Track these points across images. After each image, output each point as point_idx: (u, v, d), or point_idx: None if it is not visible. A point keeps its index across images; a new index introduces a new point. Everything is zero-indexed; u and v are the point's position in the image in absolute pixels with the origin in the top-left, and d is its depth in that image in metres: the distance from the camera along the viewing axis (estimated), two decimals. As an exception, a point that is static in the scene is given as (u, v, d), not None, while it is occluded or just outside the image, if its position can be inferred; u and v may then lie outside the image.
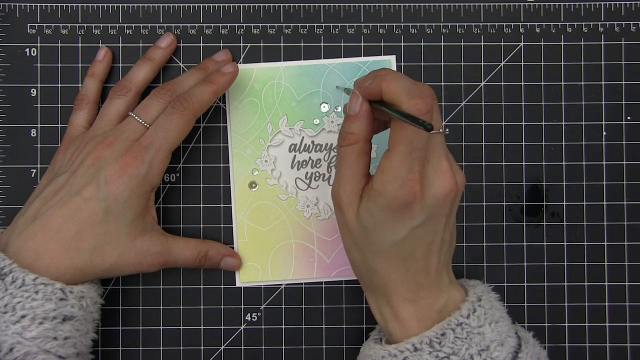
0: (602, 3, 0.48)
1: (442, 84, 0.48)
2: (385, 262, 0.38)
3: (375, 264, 0.38)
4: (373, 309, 0.40)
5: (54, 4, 0.48)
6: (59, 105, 0.48)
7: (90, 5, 0.48)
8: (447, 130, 0.41)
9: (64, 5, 0.48)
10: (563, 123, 0.48)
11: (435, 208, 0.36)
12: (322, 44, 0.48)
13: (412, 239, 0.37)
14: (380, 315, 0.40)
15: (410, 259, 0.37)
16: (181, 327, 0.47)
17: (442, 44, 0.48)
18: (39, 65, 0.48)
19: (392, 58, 0.48)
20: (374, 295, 0.40)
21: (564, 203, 0.48)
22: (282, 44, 0.48)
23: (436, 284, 0.39)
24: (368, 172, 0.39)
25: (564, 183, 0.48)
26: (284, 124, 0.48)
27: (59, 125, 0.48)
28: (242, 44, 0.48)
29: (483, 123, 0.48)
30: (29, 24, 0.48)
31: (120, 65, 0.48)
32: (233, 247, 0.47)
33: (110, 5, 0.48)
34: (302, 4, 0.48)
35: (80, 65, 0.48)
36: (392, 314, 0.39)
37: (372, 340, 0.41)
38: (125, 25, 0.48)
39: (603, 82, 0.48)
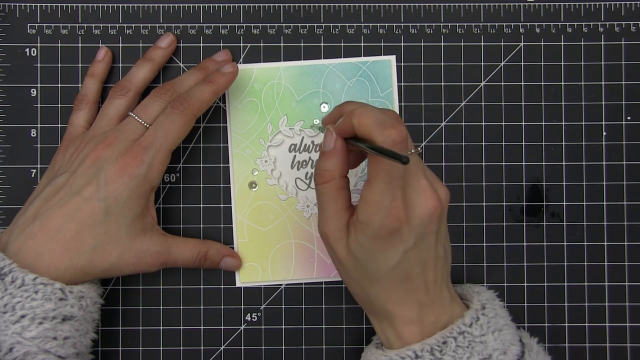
0: (602, 3, 0.48)
1: (442, 84, 0.48)
2: (383, 288, 0.38)
3: (374, 292, 0.38)
4: (377, 331, 0.40)
5: (54, 4, 0.48)
6: (59, 105, 0.48)
7: (90, 5, 0.48)
8: (419, 149, 0.41)
9: (64, 5, 0.48)
10: (563, 123, 0.48)
11: (423, 228, 0.36)
12: (322, 44, 0.48)
13: (406, 261, 0.37)
14: (385, 337, 0.40)
15: (407, 280, 0.38)
16: (181, 327, 0.47)
17: (442, 44, 0.48)
18: (39, 65, 0.48)
19: (392, 58, 0.48)
20: (377, 318, 0.40)
21: (564, 203, 0.48)
22: (282, 44, 0.48)
23: (437, 301, 0.39)
24: (350, 205, 0.39)
25: (564, 183, 0.48)
26: (284, 124, 0.48)
27: (59, 125, 0.48)
28: (242, 44, 0.48)
29: (483, 123, 0.48)
30: (29, 24, 0.48)
31: (120, 65, 0.48)
32: (233, 247, 0.47)
33: (110, 5, 0.48)
34: (302, 4, 0.48)
35: (80, 65, 0.48)
36: (396, 335, 0.39)
37: (374, 345, 0.41)
38: (125, 25, 0.48)
39: (603, 82, 0.48)
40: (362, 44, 0.48)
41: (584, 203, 0.48)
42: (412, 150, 0.38)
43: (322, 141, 0.39)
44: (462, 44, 0.48)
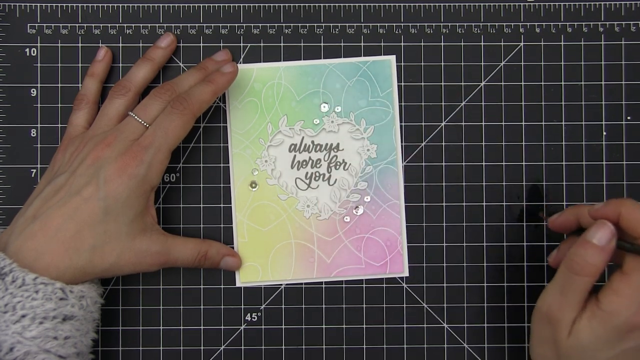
0: (602, 3, 0.48)
1: (442, 84, 0.48)
2: None
3: None
4: None
5: (54, 4, 0.48)
6: (59, 105, 0.48)
7: (90, 5, 0.48)
8: None
9: (64, 5, 0.48)
10: (563, 123, 0.48)
11: None
12: (322, 44, 0.48)
13: (624, 355, 0.36)
14: None
15: None
16: (181, 327, 0.47)
17: (442, 44, 0.48)
18: (39, 65, 0.48)
19: (392, 58, 0.48)
20: None
21: (564, 203, 0.48)
22: (282, 44, 0.48)
23: None
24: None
25: (564, 183, 0.48)
26: (284, 124, 0.48)
27: (59, 125, 0.48)
28: (242, 44, 0.48)
29: (483, 123, 0.48)
30: (29, 24, 0.48)
31: (120, 65, 0.48)
32: (233, 247, 0.47)
33: (110, 5, 0.48)
34: (302, 4, 0.48)
35: (80, 65, 0.48)
36: None
37: None
38: (125, 25, 0.48)
39: (603, 82, 0.48)
40: (362, 44, 0.48)
41: (584, 203, 0.48)
42: None
43: (593, 232, 0.37)
44: (462, 44, 0.48)
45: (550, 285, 0.39)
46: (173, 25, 0.48)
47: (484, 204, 0.48)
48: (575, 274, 0.37)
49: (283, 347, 0.47)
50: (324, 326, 0.47)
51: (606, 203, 0.37)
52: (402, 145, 0.48)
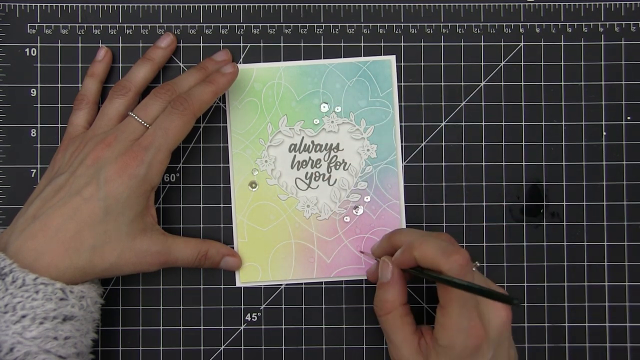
0: (602, 3, 0.48)
1: (442, 84, 0.48)
2: None
3: None
4: None
5: (54, 4, 0.48)
6: (59, 105, 0.48)
7: (90, 5, 0.48)
8: (477, 264, 0.42)
9: (64, 5, 0.48)
10: (563, 123, 0.48)
11: (500, 336, 0.38)
12: (322, 44, 0.48)
13: None
14: None
15: None
16: (181, 327, 0.47)
17: (442, 44, 0.48)
18: (39, 65, 0.48)
19: (392, 58, 0.48)
20: None
21: (564, 203, 0.48)
22: (282, 44, 0.48)
23: None
24: (416, 328, 0.40)
25: (564, 183, 0.48)
26: (284, 124, 0.48)
27: (59, 125, 0.48)
28: (242, 44, 0.48)
29: (483, 123, 0.48)
30: (29, 24, 0.48)
31: (120, 65, 0.48)
32: (233, 247, 0.47)
33: (110, 5, 0.48)
34: (302, 4, 0.48)
35: (80, 65, 0.48)
36: None
37: None
38: (125, 25, 0.48)
39: (603, 82, 0.48)
40: (362, 44, 0.48)
41: (584, 203, 0.48)
42: (474, 268, 0.39)
43: (379, 272, 0.41)
44: (462, 44, 0.48)
45: (385, 336, 0.41)
46: (173, 25, 0.48)
47: (484, 204, 0.48)
48: (381, 315, 0.41)
49: (283, 347, 0.47)
50: (324, 326, 0.47)
51: (401, 252, 0.40)
52: (402, 145, 0.48)
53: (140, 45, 0.48)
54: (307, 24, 0.48)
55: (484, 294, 0.34)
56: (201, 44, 0.48)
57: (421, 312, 0.47)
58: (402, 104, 0.48)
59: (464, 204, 0.48)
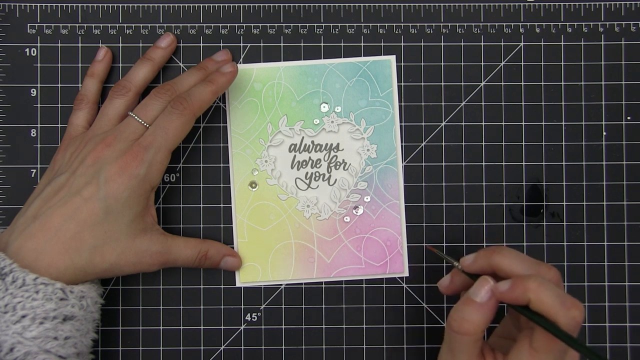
0: (602, 3, 0.48)
1: (442, 84, 0.48)
2: None
3: None
4: None
5: (54, 4, 0.48)
6: (59, 105, 0.48)
7: (90, 5, 0.48)
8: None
9: (64, 5, 0.48)
10: (563, 123, 0.48)
11: None
12: (322, 44, 0.48)
13: None
14: None
15: None
16: (181, 327, 0.47)
17: (442, 44, 0.48)
18: (39, 65, 0.48)
19: (392, 58, 0.48)
20: None
21: (564, 203, 0.48)
22: (282, 44, 0.48)
23: None
24: (481, 351, 0.37)
25: (564, 183, 0.48)
26: (284, 124, 0.48)
27: (59, 125, 0.48)
28: (242, 44, 0.48)
29: (483, 123, 0.48)
30: (29, 24, 0.48)
31: (120, 65, 0.48)
32: (233, 247, 0.47)
33: (110, 5, 0.48)
34: (302, 4, 0.48)
35: (80, 65, 0.48)
36: None
37: None
38: (125, 25, 0.48)
39: (603, 82, 0.48)
40: (362, 44, 0.48)
41: (584, 203, 0.48)
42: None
43: (473, 289, 0.37)
44: (462, 44, 0.48)
45: (443, 346, 0.38)
46: (173, 25, 0.48)
47: (484, 204, 0.48)
48: (455, 332, 0.36)
49: (283, 347, 0.47)
50: (324, 326, 0.47)
51: (511, 286, 0.35)
52: (402, 145, 0.48)
53: (140, 45, 0.48)
54: (307, 24, 0.48)
55: (580, 349, 0.33)
56: (201, 44, 0.48)
57: (421, 312, 0.47)
58: (402, 104, 0.48)
59: (464, 204, 0.48)
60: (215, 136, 0.48)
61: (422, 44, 0.48)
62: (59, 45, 0.48)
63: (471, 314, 0.36)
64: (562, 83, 0.48)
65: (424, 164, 0.48)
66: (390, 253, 0.47)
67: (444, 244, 0.47)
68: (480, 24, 0.48)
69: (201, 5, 0.48)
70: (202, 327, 0.47)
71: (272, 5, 0.48)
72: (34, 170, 0.47)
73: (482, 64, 0.48)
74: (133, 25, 0.48)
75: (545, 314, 0.34)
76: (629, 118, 0.48)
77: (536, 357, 0.35)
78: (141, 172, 0.40)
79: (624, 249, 0.48)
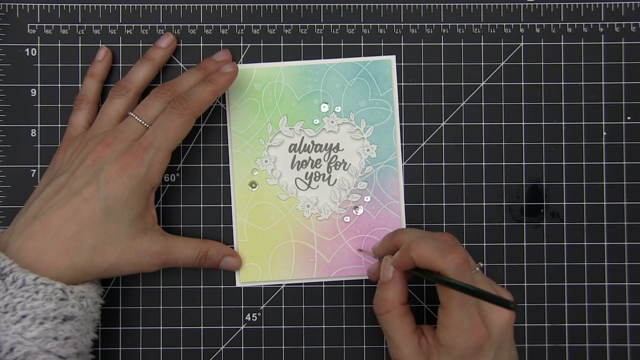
0: (602, 3, 0.48)
1: (442, 84, 0.48)
2: None
3: None
4: None
5: (54, 4, 0.48)
6: (59, 105, 0.48)
7: (90, 5, 0.48)
8: (481, 264, 0.44)
9: (64, 5, 0.48)
10: (563, 123, 0.48)
11: (502, 337, 0.38)
12: (322, 44, 0.48)
13: None
14: None
15: None
16: (181, 327, 0.47)
17: (442, 44, 0.48)
18: (39, 65, 0.48)
19: (392, 58, 0.48)
20: None
21: (564, 203, 0.48)
22: (282, 44, 0.48)
23: None
24: (416, 327, 0.40)
25: (564, 183, 0.48)
26: (284, 124, 0.48)
27: (59, 125, 0.48)
28: (242, 44, 0.48)
29: (483, 123, 0.48)
30: (29, 24, 0.48)
31: (120, 65, 0.48)
32: (233, 247, 0.47)
33: (110, 5, 0.48)
34: (302, 4, 0.48)
35: (80, 65, 0.48)
36: None
37: None
38: (125, 25, 0.48)
39: (603, 82, 0.48)
40: (362, 44, 0.48)
41: (584, 203, 0.48)
42: (477, 269, 0.39)
43: (381, 271, 0.41)
44: (462, 44, 0.48)
45: (385, 336, 0.41)
46: (173, 25, 0.48)
47: (484, 204, 0.48)
48: (379, 314, 0.40)
49: (283, 347, 0.47)
50: (324, 326, 0.47)
51: (399, 253, 0.39)
52: (402, 145, 0.48)
53: (140, 45, 0.48)
54: (307, 24, 0.48)
55: (481, 296, 0.33)
56: (201, 44, 0.48)
57: (421, 312, 0.47)
58: (402, 104, 0.48)
59: (464, 204, 0.48)
60: (215, 136, 0.48)
61: (422, 44, 0.48)
62: (59, 45, 0.48)
63: (385, 292, 0.40)
64: (562, 83, 0.48)
65: (424, 164, 0.48)
66: (390, 253, 0.47)
67: (444, 244, 0.47)
68: (480, 24, 0.48)
69: (201, 5, 0.48)
70: (202, 327, 0.47)
71: (272, 5, 0.48)
72: (34, 170, 0.47)
73: (482, 64, 0.48)
74: (133, 25, 0.48)
75: (430, 268, 0.37)
76: (629, 118, 0.48)
77: (446, 313, 0.37)
78: (141, 172, 0.40)
79: (624, 249, 0.48)
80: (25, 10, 0.48)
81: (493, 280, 0.41)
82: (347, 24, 0.48)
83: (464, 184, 0.48)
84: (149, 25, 0.48)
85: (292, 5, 0.48)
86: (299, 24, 0.48)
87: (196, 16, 0.48)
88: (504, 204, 0.48)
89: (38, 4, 0.48)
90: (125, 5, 0.48)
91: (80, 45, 0.48)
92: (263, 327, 0.47)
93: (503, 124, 0.48)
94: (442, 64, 0.48)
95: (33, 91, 0.48)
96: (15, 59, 0.48)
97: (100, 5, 0.48)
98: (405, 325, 0.40)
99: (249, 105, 0.48)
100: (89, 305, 0.40)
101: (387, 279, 0.40)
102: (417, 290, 0.48)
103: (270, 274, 0.47)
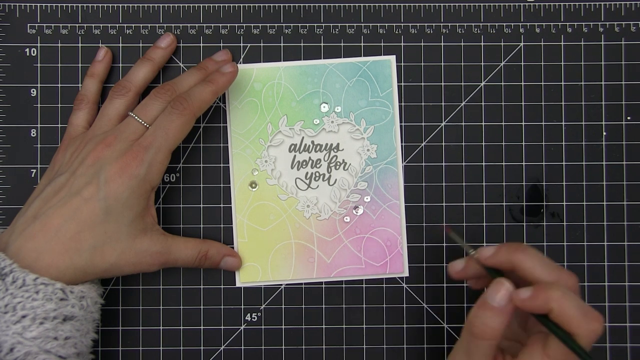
0: (602, 3, 0.48)
1: (442, 84, 0.48)
2: None
3: None
4: None
5: (54, 4, 0.48)
6: (59, 105, 0.48)
7: (90, 5, 0.48)
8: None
9: (64, 5, 0.48)
10: (563, 123, 0.48)
11: None
12: (322, 44, 0.48)
13: None
14: None
15: None
16: (181, 327, 0.47)
17: (442, 44, 0.48)
18: (39, 65, 0.48)
19: (392, 58, 0.48)
20: None
21: (564, 203, 0.48)
22: (282, 44, 0.48)
23: None
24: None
25: (564, 183, 0.48)
26: (284, 124, 0.48)
27: (59, 125, 0.48)
28: (242, 44, 0.48)
29: (483, 123, 0.48)
30: (29, 24, 0.48)
31: (120, 65, 0.48)
32: (233, 247, 0.47)
33: (110, 5, 0.48)
34: (302, 4, 0.48)
35: (80, 65, 0.48)
36: None
37: None
38: (125, 25, 0.48)
39: (603, 82, 0.48)
40: (362, 44, 0.48)
41: (584, 203, 0.48)
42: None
43: (489, 292, 0.36)
44: (462, 44, 0.48)
45: (457, 346, 0.38)
46: (173, 25, 0.48)
47: (484, 204, 0.48)
48: (476, 337, 0.36)
49: (283, 347, 0.47)
50: (324, 326, 0.47)
51: (532, 294, 0.35)
52: (402, 145, 0.48)
53: (140, 45, 0.48)
54: (307, 24, 0.48)
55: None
56: (201, 44, 0.48)
57: (421, 312, 0.47)
58: (402, 104, 0.48)
59: (464, 204, 0.48)
60: (215, 136, 0.48)
61: (422, 44, 0.48)
62: (59, 45, 0.48)
63: (492, 319, 0.35)
64: (562, 83, 0.48)
65: (424, 164, 0.48)
66: (390, 253, 0.47)
67: (444, 244, 0.47)
68: (480, 24, 0.48)
69: (201, 5, 0.48)
70: (202, 327, 0.47)
71: (272, 5, 0.48)
72: (34, 170, 0.47)
73: (482, 64, 0.48)
74: (133, 25, 0.48)
75: (566, 326, 0.34)
76: (629, 118, 0.48)
77: None
78: (141, 172, 0.40)
79: (624, 249, 0.48)
80: (25, 10, 0.48)
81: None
82: (347, 24, 0.48)
83: (464, 184, 0.48)
84: (149, 25, 0.48)
85: (292, 5, 0.48)
86: (299, 24, 0.48)
87: (196, 16, 0.48)
88: (504, 204, 0.48)
89: (38, 4, 0.48)
90: (125, 5, 0.48)
91: (80, 45, 0.48)
92: (263, 327, 0.47)
93: (503, 124, 0.48)
94: (442, 64, 0.48)
95: (33, 91, 0.48)
96: (15, 59, 0.48)
97: (100, 5, 0.48)
98: (493, 352, 0.37)
99: (249, 105, 0.48)
100: (89, 305, 0.40)
101: (497, 306, 0.36)
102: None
103: (270, 274, 0.47)
